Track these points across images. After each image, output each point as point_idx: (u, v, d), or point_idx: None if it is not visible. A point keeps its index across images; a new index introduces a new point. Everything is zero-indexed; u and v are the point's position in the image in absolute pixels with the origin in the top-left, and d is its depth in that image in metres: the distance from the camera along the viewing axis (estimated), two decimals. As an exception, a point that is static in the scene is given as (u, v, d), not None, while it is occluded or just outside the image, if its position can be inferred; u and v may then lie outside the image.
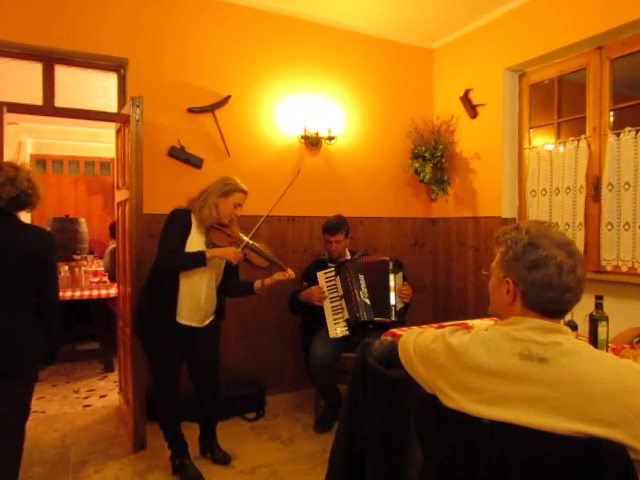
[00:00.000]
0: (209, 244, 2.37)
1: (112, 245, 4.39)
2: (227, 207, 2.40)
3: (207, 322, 2.47)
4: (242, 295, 2.63)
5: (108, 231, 5.00)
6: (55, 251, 1.98)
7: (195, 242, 2.34)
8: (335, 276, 2.95)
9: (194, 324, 2.40)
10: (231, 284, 2.55)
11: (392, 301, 2.88)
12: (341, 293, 2.91)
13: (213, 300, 2.48)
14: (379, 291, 2.91)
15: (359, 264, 2.94)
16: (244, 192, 2.46)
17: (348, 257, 3.16)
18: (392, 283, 2.92)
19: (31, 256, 1.86)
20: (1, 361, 1.80)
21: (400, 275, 2.99)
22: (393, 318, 2.84)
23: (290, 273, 2.49)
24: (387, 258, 3.02)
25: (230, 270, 2.51)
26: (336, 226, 3.07)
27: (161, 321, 2.34)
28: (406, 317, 2.97)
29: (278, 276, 2.49)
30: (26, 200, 1.94)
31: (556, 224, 3.17)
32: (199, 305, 2.39)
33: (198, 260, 2.26)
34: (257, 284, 2.52)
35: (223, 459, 2.57)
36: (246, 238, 2.43)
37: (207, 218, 2.35)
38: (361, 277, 2.90)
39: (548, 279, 1.03)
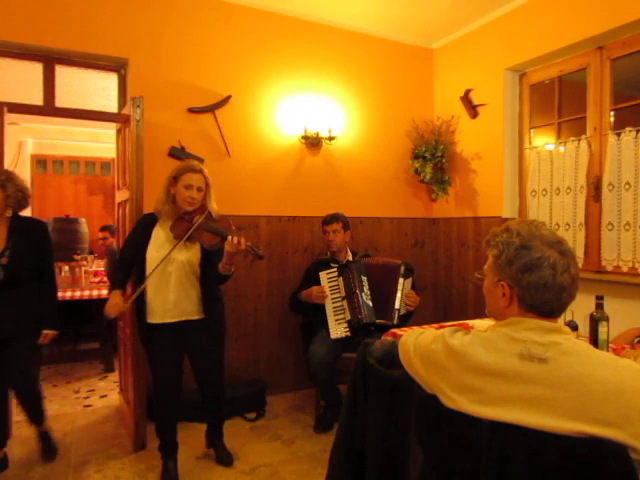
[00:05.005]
0: (173, 236, 2.31)
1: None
2: (180, 192, 2.32)
3: (191, 317, 2.38)
4: (218, 281, 2.41)
5: (100, 232, 4.99)
6: None
7: (155, 240, 2.35)
8: (338, 277, 2.95)
9: (169, 320, 2.34)
10: (210, 272, 2.37)
11: (397, 305, 2.86)
12: (343, 294, 2.91)
13: (190, 293, 2.37)
14: (385, 293, 2.89)
15: (362, 265, 2.94)
16: (193, 170, 2.33)
17: (350, 257, 3.17)
18: (400, 287, 2.89)
19: None
20: None
21: (409, 281, 2.96)
22: (395, 322, 2.82)
23: (229, 241, 2.18)
24: (400, 262, 2.99)
25: (212, 258, 2.35)
26: (333, 216, 3.14)
27: (141, 326, 2.42)
28: (408, 324, 2.95)
29: (226, 248, 2.21)
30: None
31: (556, 224, 3.17)
32: (168, 300, 2.33)
33: (110, 286, 2.45)
34: (219, 266, 2.30)
35: (226, 460, 2.56)
36: (199, 219, 2.30)
37: (163, 213, 2.36)
38: (364, 279, 2.89)
39: (543, 281, 1.03)
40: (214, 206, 2.42)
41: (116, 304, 2.27)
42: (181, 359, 2.46)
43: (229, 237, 2.21)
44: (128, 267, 2.40)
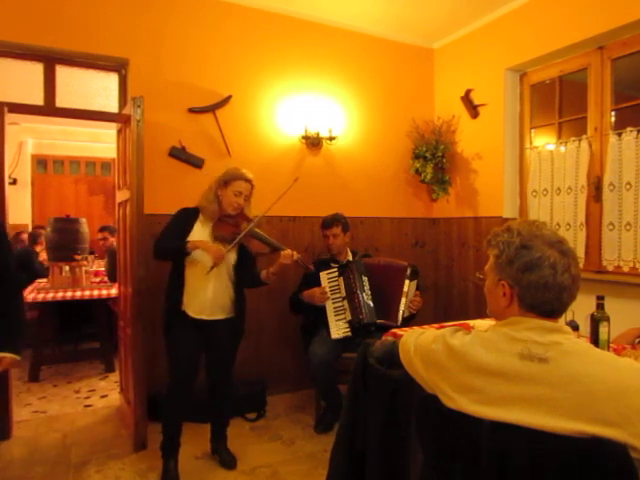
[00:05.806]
0: (213, 236, 2.40)
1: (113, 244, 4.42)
2: (228, 197, 2.41)
3: (221, 316, 2.45)
4: (254, 286, 2.58)
5: (99, 232, 5.04)
6: None
7: (197, 235, 2.39)
8: (338, 277, 2.94)
9: (204, 317, 2.41)
10: (246, 276, 2.50)
11: (402, 307, 2.84)
12: (344, 294, 2.90)
13: (225, 293, 2.46)
14: (388, 294, 2.87)
15: (363, 265, 2.93)
16: (245, 179, 2.43)
17: (350, 258, 3.16)
18: (406, 289, 2.87)
19: None
20: None
21: (414, 283, 2.94)
22: (399, 323, 2.80)
23: (287, 253, 2.41)
24: (406, 263, 2.96)
25: (247, 262, 2.49)
26: (332, 219, 3.11)
27: (173, 314, 2.41)
28: (410, 324, 2.94)
29: (280, 259, 2.42)
30: None
31: (557, 224, 3.17)
32: (206, 298, 2.40)
33: (177, 248, 2.32)
34: (263, 274, 2.47)
35: (229, 462, 2.55)
36: (247, 226, 2.40)
37: (209, 211, 2.42)
38: (364, 278, 2.88)
39: (543, 281, 1.03)
40: (251, 213, 2.52)
41: (219, 250, 2.28)
42: (199, 356, 2.48)
43: (285, 250, 2.39)
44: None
